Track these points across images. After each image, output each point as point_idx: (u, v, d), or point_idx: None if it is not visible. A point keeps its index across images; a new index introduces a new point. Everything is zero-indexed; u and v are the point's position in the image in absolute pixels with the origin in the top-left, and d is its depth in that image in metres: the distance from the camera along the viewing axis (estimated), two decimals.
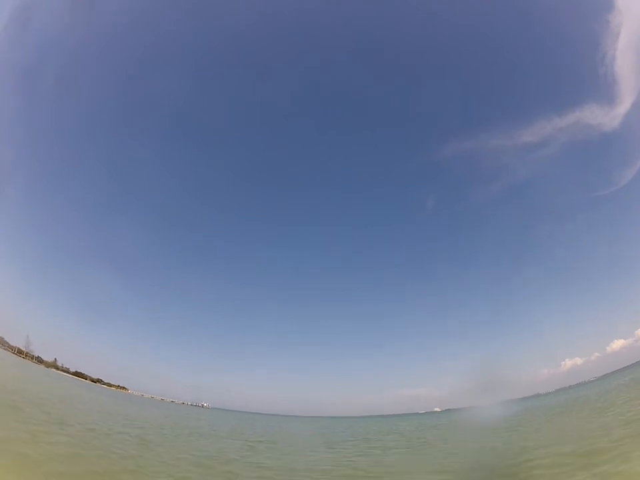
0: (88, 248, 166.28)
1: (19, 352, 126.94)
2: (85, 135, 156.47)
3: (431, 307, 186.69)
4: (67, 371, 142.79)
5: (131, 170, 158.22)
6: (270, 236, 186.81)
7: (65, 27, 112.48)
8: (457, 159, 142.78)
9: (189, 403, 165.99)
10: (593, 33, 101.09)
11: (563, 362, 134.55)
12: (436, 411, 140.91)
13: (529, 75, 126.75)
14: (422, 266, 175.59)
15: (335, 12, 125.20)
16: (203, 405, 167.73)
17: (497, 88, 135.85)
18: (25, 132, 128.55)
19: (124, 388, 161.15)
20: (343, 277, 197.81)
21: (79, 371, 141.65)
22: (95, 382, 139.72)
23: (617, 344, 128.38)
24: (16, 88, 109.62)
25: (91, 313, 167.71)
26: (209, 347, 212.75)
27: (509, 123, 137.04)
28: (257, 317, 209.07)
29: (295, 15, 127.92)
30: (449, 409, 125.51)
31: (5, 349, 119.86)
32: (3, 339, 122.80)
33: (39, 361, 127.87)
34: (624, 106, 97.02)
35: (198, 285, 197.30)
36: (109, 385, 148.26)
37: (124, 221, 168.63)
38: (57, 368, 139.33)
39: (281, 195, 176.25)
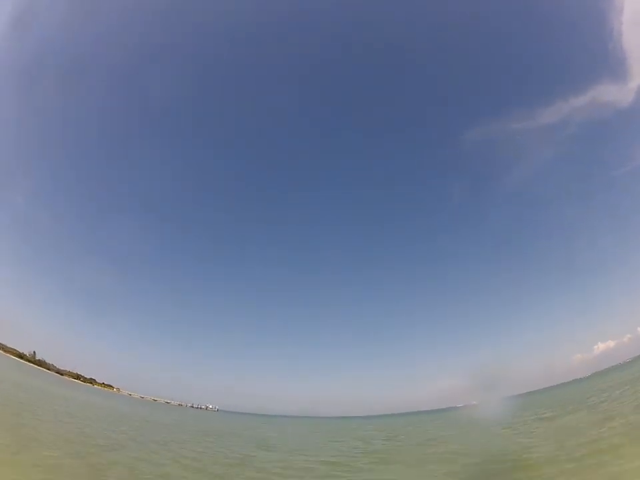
0: (87, 247, 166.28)
1: None
2: (86, 135, 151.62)
3: (462, 299, 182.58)
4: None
5: (132, 170, 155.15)
6: (275, 237, 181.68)
7: (66, 29, 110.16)
8: (479, 146, 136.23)
9: (190, 405, 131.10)
10: (598, 9, 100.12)
11: (596, 346, 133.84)
12: (474, 404, 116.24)
13: (542, 55, 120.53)
14: (450, 258, 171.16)
15: (353, 10, 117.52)
16: (207, 407, 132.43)
17: (511, 72, 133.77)
18: (26, 132, 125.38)
19: (110, 386, 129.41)
20: (361, 275, 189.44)
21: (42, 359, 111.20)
22: (62, 374, 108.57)
23: None
24: (18, 89, 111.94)
25: (87, 310, 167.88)
26: (216, 348, 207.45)
27: (527, 105, 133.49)
28: (280, 318, 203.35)
29: (306, 15, 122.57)
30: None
31: None
32: None
33: None
34: (636, 80, 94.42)
35: (202, 285, 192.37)
36: (82, 379, 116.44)
37: (124, 221, 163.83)
38: (22, 357, 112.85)
39: (286, 195, 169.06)
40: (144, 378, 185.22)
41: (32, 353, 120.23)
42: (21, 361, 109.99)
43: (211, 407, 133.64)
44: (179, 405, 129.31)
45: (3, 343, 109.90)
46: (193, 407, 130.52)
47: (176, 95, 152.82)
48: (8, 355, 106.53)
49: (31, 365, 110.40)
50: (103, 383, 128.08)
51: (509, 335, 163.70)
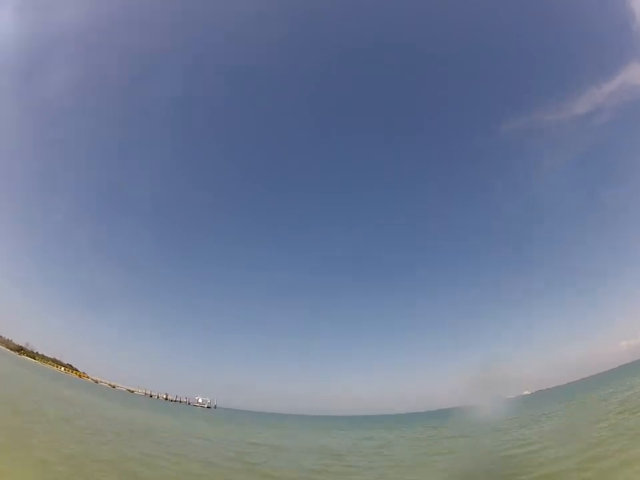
0: (88, 245, 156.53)
1: None
2: (87, 133, 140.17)
3: (519, 285, 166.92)
4: None
5: (135, 171, 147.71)
6: (278, 237, 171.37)
7: (65, 28, 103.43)
8: (509, 142, 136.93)
9: (169, 398, 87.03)
10: None
11: None
12: (526, 394, 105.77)
13: (569, 43, 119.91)
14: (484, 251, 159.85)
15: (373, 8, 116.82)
16: (196, 401, 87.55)
17: (538, 63, 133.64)
18: (25, 130, 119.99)
19: (56, 362, 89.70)
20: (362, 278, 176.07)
21: None
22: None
23: None
24: (16, 88, 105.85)
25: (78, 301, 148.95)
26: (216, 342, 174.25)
27: (559, 96, 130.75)
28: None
29: (315, 14, 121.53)
30: (539, 390, 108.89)
31: None
32: None
33: None
34: None
35: (201, 284, 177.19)
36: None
37: (125, 221, 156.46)
38: None
39: (291, 196, 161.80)
40: (116, 365, 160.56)
41: None
42: None
43: (201, 400, 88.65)
44: (149, 395, 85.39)
45: None
46: (168, 399, 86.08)
47: (178, 96, 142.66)
48: None
49: None
50: (34, 352, 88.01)
51: (543, 327, 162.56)
